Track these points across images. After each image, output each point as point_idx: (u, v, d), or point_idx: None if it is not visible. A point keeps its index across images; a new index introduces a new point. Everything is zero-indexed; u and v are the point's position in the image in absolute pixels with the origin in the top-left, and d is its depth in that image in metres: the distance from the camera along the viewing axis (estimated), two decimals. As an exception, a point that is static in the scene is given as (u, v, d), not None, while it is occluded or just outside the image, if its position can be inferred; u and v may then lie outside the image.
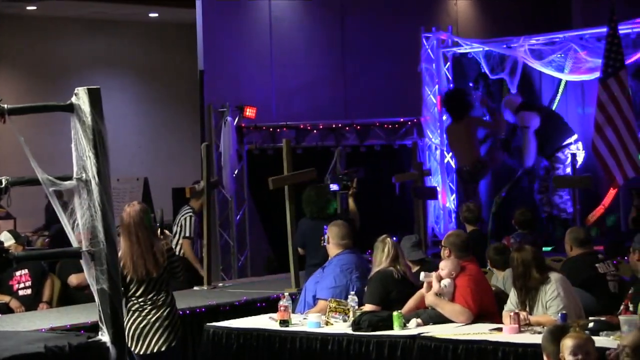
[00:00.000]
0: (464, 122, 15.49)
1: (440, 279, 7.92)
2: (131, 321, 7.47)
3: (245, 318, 8.79)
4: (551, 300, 7.48)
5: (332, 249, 8.90)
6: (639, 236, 8.37)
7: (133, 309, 7.49)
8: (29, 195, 7.06)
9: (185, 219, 11.91)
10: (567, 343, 5.36)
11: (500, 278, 8.92)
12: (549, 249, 13.37)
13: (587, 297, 8.50)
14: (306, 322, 8.12)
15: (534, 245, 8.52)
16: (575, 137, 14.89)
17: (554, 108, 15.56)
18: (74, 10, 18.23)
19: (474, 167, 15.52)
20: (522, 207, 12.38)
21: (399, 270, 8.28)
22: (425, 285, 8.03)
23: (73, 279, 10.51)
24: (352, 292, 8.28)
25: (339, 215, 10.95)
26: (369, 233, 11.62)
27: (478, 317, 7.79)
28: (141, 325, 7.47)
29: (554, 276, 7.63)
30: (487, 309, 7.92)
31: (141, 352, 7.46)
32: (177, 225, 11.90)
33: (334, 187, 11.98)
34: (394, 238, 8.62)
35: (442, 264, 8.04)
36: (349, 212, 11.55)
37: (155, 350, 7.43)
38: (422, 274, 8.09)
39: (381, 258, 8.35)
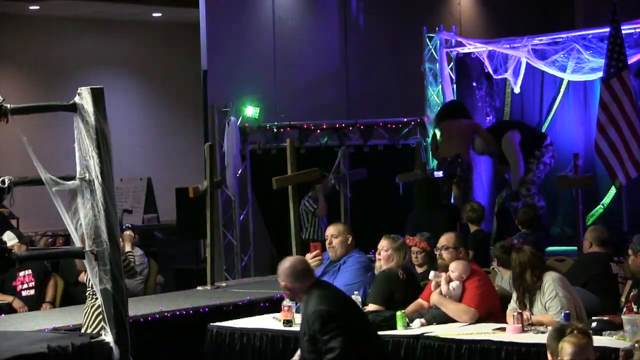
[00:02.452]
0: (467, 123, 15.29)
1: (449, 280, 7.91)
2: (85, 305, 8.05)
3: (249, 318, 8.79)
4: (550, 301, 7.46)
5: (343, 248, 8.84)
6: (638, 237, 8.34)
7: (86, 294, 8.04)
8: (32, 195, 7.05)
9: (305, 205, 13.31)
10: (567, 349, 5.32)
11: (505, 277, 8.88)
12: (552, 249, 13.38)
13: (591, 297, 8.49)
14: (309, 322, 8.10)
15: (536, 245, 8.51)
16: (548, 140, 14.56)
17: (554, 108, 15.48)
18: (76, 9, 18.22)
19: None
20: (525, 207, 12.33)
21: (404, 271, 8.27)
22: (433, 284, 8.02)
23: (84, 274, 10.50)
24: (356, 292, 8.25)
25: (442, 203, 11.16)
26: (372, 233, 11.65)
27: (482, 318, 7.80)
28: (85, 310, 7.97)
29: (551, 276, 7.59)
30: (491, 310, 7.92)
31: (81, 331, 7.95)
32: (305, 210, 13.33)
33: (438, 174, 12.03)
34: (401, 238, 8.64)
35: (452, 266, 8.01)
36: (454, 199, 11.73)
37: (92, 331, 7.58)
38: (431, 273, 8.08)
39: (399, 256, 8.30)
